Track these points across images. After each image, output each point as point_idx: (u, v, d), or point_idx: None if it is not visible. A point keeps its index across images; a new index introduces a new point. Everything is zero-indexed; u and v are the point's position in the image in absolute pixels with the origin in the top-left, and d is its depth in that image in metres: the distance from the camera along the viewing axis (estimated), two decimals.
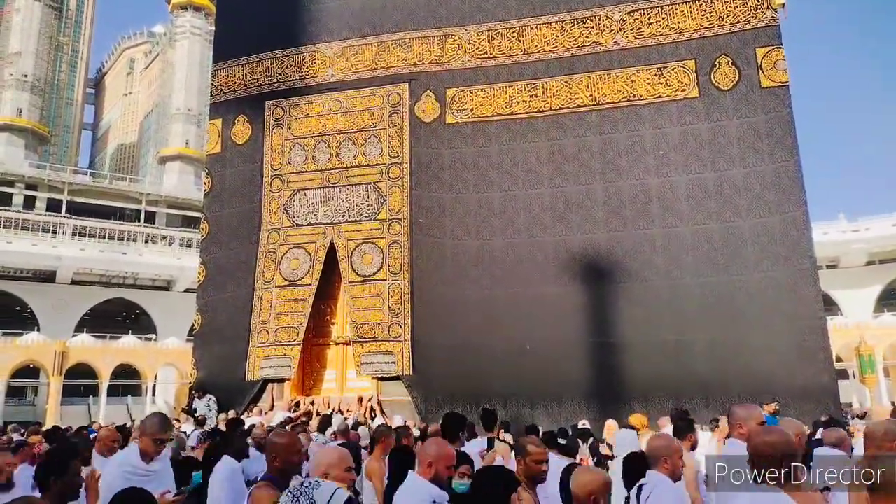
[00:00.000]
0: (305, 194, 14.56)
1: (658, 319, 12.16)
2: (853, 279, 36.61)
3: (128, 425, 11.55)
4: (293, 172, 14.78)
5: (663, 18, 13.23)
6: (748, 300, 11.87)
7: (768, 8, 12.64)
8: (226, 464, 4.42)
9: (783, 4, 12.79)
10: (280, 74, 15.49)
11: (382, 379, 13.28)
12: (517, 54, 13.95)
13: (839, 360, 25.14)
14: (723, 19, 12.87)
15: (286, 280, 14.17)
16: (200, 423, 11.44)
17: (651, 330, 12.11)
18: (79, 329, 38.69)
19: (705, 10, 13.00)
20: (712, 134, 12.58)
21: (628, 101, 13.14)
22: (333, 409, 12.77)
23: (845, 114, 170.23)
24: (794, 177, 12.00)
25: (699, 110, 12.73)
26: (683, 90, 12.87)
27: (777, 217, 11.95)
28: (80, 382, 34.70)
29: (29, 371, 33.42)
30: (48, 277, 41.02)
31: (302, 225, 14.42)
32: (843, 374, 26.98)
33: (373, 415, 12.53)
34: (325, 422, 10.28)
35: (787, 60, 12.39)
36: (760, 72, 12.44)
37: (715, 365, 11.67)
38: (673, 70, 12.98)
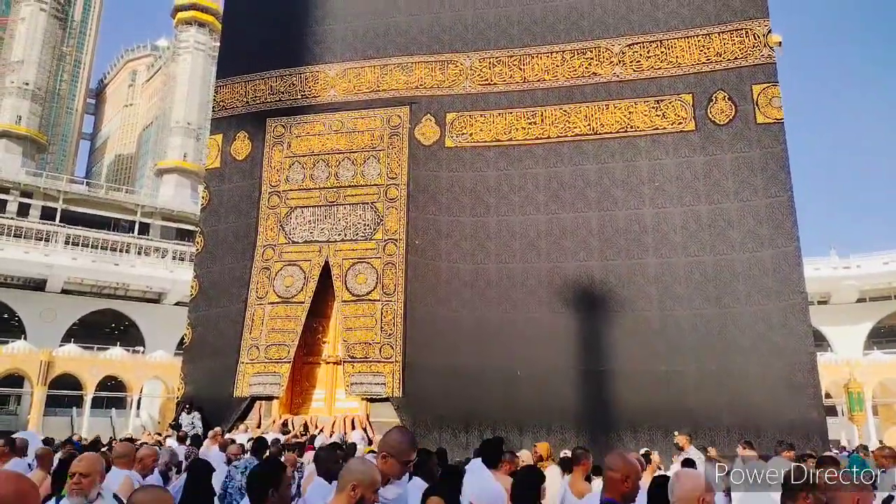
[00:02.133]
0: (303, 212, 14.60)
1: (649, 349, 12.19)
2: (844, 316, 36.80)
3: (111, 439, 11.43)
4: (291, 190, 14.84)
5: (662, 52, 13.47)
6: (739, 333, 11.93)
7: (765, 46, 12.90)
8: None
9: (780, 42, 13.07)
10: (282, 93, 15.63)
11: (372, 400, 13.20)
12: (517, 82, 14.14)
13: (828, 396, 25.18)
14: (720, 55, 13.12)
15: (279, 297, 14.14)
16: (181, 439, 11.29)
17: (642, 359, 12.13)
18: (66, 339, 38.31)
19: (703, 46, 13.25)
20: (707, 167, 12.75)
21: (625, 131, 13.31)
22: (321, 430, 12.69)
23: (838, 150, 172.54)
24: (786, 212, 12.14)
25: (695, 143, 12.91)
26: (680, 123, 13.06)
27: (769, 251, 12.07)
28: (64, 393, 34.25)
29: (13, 380, 33.00)
30: (38, 286, 40.73)
31: (298, 242, 14.44)
32: (832, 411, 27.00)
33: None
34: (311, 443, 10.21)
35: (781, 97, 12.62)
36: (756, 108, 12.65)
37: (705, 396, 11.68)
38: (670, 103, 13.18)
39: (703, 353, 12.00)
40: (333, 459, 4.71)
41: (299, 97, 15.49)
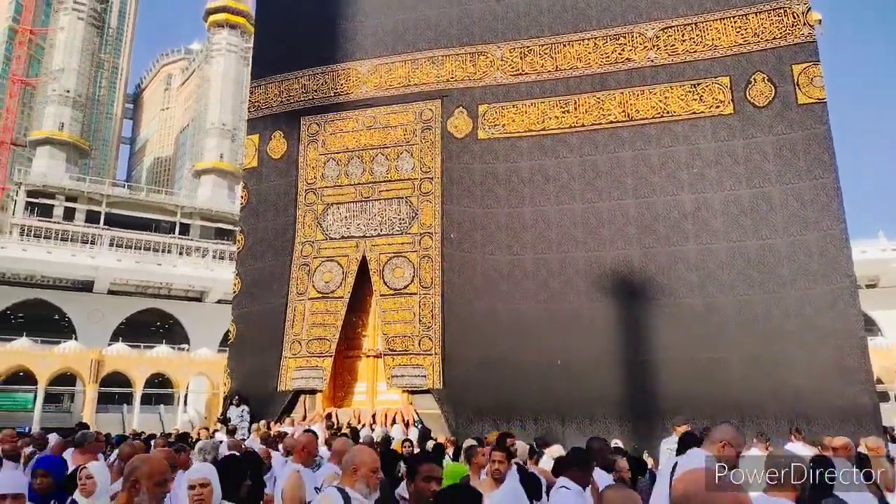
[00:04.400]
0: (339, 208, 14.79)
1: (692, 337, 12.02)
2: (893, 299, 35.64)
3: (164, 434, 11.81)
4: (327, 187, 15.03)
5: (697, 35, 13.21)
6: (785, 318, 11.67)
7: (804, 24, 12.54)
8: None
9: (819, 21, 12.69)
10: (315, 91, 15.82)
11: (413, 392, 13.34)
12: (549, 71, 14.03)
13: (879, 381, 24.44)
14: (758, 36, 12.80)
15: (319, 292, 14.37)
16: (231, 432, 11.61)
17: (684, 347, 11.98)
18: (114, 338, 39.58)
19: (740, 27, 12.95)
20: (748, 151, 12.47)
21: (661, 117, 13.11)
22: (363, 424, 12.87)
23: (885, 129, 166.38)
24: (831, 193, 11.81)
25: (734, 127, 12.64)
26: (718, 107, 12.80)
27: (814, 234, 11.77)
28: (114, 390, 35.43)
29: (66, 378, 34.23)
30: (85, 287, 42.10)
31: (335, 238, 14.64)
32: (884, 397, 26.20)
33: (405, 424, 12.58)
34: (354, 436, 10.38)
35: (823, 76, 12.26)
36: (797, 88, 12.32)
37: (750, 383, 11.47)
38: (707, 86, 12.93)
39: (748, 340, 11.78)
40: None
41: (332, 95, 15.66)
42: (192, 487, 3.31)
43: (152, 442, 9.11)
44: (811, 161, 12.02)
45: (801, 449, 7.88)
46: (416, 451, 8.38)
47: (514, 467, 5.38)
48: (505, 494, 4.17)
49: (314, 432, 6.96)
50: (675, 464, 3.88)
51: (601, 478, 4.57)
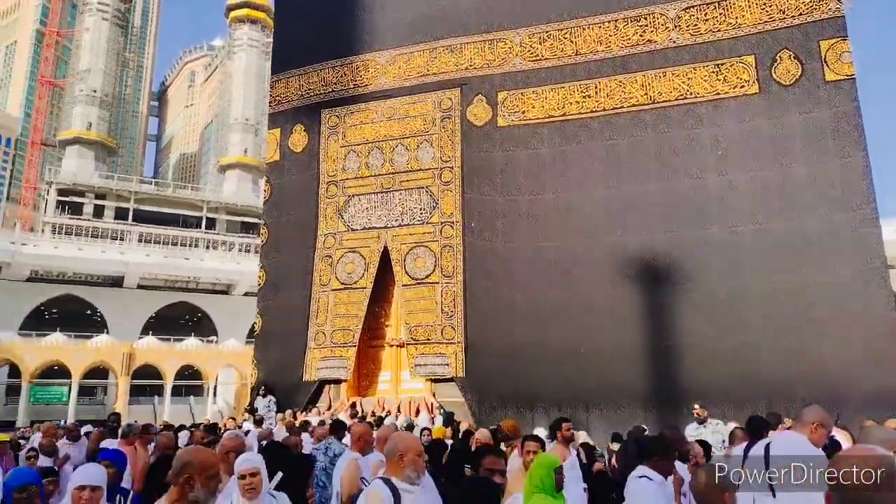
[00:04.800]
0: (360, 199, 14.84)
1: (718, 322, 11.83)
2: None
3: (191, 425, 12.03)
4: (348, 178, 15.10)
5: (720, 14, 12.92)
6: (813, 301, 11.42)
7: None
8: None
9: None
10: (335, 84, 15.86)
11: (436, 381, 13.40)
12: (569, 55, 13.86)
13: None
14: (784, 12, 12.46)
15: (342, 283, 14.47)
16: (258, 422, 11.80)
17: (711, 333, 11.80)
18: (144, 331, 40.45)
19: (765, 4, 12.62)
20: (774, 131, 12.18)
21: (685, 99, 12.86)
22: (387, 412, 12.97)
23: None
24: (861, 173, 11.48)
25: (760, 107, 12.35)
26: (742, 87, 12.52)
27: (844, 215, 11.46)
28: (146, 383, 36.21)
29: (99, 372, 35.08)
30: (116, 282, 43.02)
31: (357, 230, 14.71)
32: None
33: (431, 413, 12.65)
34: (379, 425, 10.46)
35: (852, 52, 11.91)
36: (825, 65, 11.98)
37: (779, 369, 11.26)
38: (731, 66, 12.65)
39: (775, 324, 11.55)
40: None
41: (351, 87, 15.68)
42: (242, 477, 3.36)
43: (180, 434, 9.28)
44: (840, 140, 11.70)
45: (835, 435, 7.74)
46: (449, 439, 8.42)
47: (574, 454, 5.43)
48: None
49: (341, 421, 7.05)
50: (768, 444, 3.83)
51: (678, 467, 4.52)
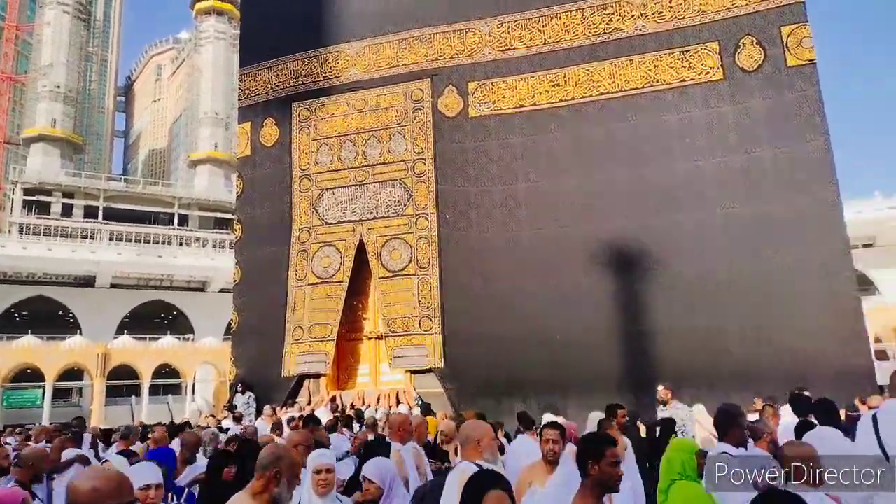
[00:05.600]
0: (334, 193, 14.81)
1: (689, 306, 12.09)
2: (890, 258, 35.71)
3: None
4: (321, 172, 15.04)
5: (684, 1, 13.09)
6: (780, 283, 11.72)
7: None
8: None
9: None
10: (304, 76, 15.74)
11: (415, 372, 13.49)
12: (538, 45, 13.94)
13: (878, 341, 24.64)
14: None
15: (318, 278, 14.46)
16: (238, 419, 11.80)
17: (683, 316, 12.05)
18: (119, 331, 39.89)
19: None
20: (738, 116, 12.43)
21: (652, 86, 13.04)
22: (368, 405, 13.05)
23: (878, 89, 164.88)
24: (824, 156, 11.78)
25: (724, 93, 12.58)
26: (708, 73, 12.73)
27: (807, 198, 11.76)
28: (122, 383, 35.77)
29: (73, 373, 34.55)
30: (88, 282, 42.32)
31: (331, 223, 14.68)
32: (883, 356, 26.40)
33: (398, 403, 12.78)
34: (359, 418, 10.56)
35: (813, 38, 12.17)
36: (786, 51, 12.23)
37: (748, 350, 11.57)
38: (696, 53, 12.85)
39: (745, 306, 11.84)
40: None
41: (321, 79, 15.58)
42: (317, 472, 3.44)
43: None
44: (802, 124, 11.98)
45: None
46: None
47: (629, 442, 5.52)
48: (556, 486, 3.69)
49: (315, 416, 7.10)
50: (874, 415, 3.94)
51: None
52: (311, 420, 7.45)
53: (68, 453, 6.22)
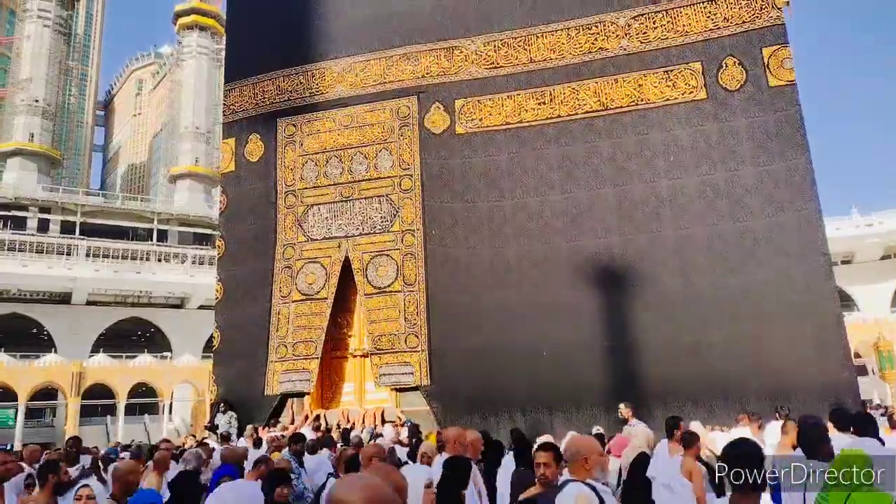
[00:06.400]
0: (319, 209, 14.72)
1: (674, 321, 12.17)
2: (868, 274, 36.39)
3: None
4: (307, 188, 14.96)
5: (668, 22, 13.32)
6: (763, 298, 11.87)
7: (773, 7, 12.70)
8: None
9: (788, 2, 12.86)
10: (290, 92, 15.70)
11: (401, 390, 13.36)
12: (524, 63, 14.07)
13: (857, 356, 24.99)
14: (728, 20, 12.94)
15: (303, 294, 14.31)
16: (225, 438, 11.54)
17: (667, 332, 12.12)
18: (95, 349, 39.09)
19: (710, 12, 13.08)
20: (721, 135, 12.63)
21: (636, 105, 13.21)
22: (352, 424, 12.87)
23: (855, 107, 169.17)
24: (805, 174, 12.01)
25: (707, 112, 12.79)
26: (691, 92, 12.94)
27: (790, 215, 11.96)
28: (97, 402, 35.01)
29: (47, 393, 33.75)
30: (63, 299, 41.49)
31: (317, 239, 14.58)
32: (862, 371, 26.79)
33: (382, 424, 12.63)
34: (345, 437, 10.40)
35: (793, 59, 12.44)
36: (767, 71, 12.49)
37: (733, 365, 11.65)
38: (680, 73, 13.06)
39: (728, 322, 11.95)
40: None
41: (307, 95, 15.55)
42: (428, 486, 3.72)
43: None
44: (784, 143, 12.21)
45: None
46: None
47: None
48: None
49: (301, 434, 6.97)
50: None
51: None
52: (297, 439, 7.32)
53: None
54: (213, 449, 8.35)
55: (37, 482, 4.95)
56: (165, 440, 10.58)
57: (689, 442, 5.62)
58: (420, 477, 4.18)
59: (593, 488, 3.13)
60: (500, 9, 14.46)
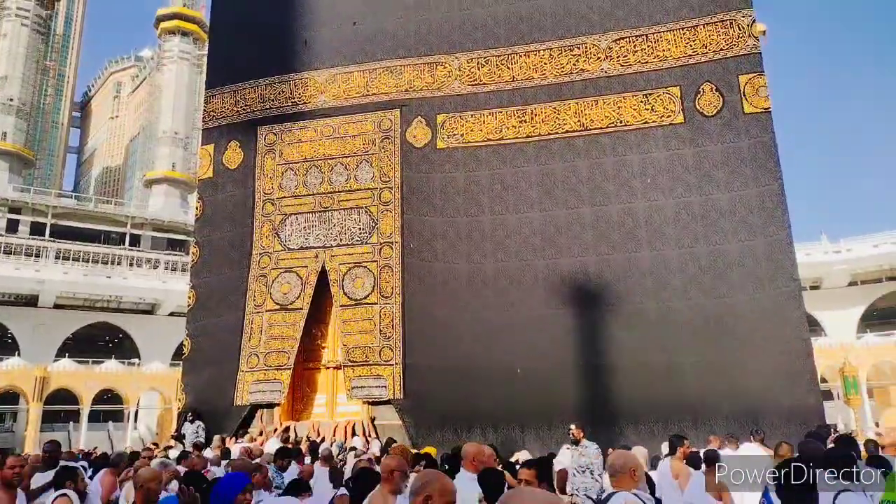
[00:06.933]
0: (297, 218, 14.62)
1: (647, 342, 12.28)
2: (836, 300, 37.14)
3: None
4: (285, 197, 14.86)
5: (648, 46, 13.58)
6: (735, 322, 12.05)
7: (750, 36, 13.03)
8: None
9: (764, 32, 13.20)
10: (272, 100, 15.63)
11: (374, 403, 13.24)
12: (506, 81, 14.21)
13: (824, 380, 25.42)
14: (706, 47, 13.24)
15: (277, 304, 14.15)
16: (198, 447, 11.27)
17: (640, 352, 12.22)
18: (60, 354, 38.12)
19: (689, 39, 13.37)
20: (697, 159, 12.86)
21: (615, 126, 13.41)
22: (322, 437, 12.69)
23: (827, 134, 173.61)
24: (777, 200, 12.27)
25: (684, 136, 13.02)
26: (669, 116, 13.17)
27: (761, 240, 12.20)
28: (60, 408, 34.09)
29: (8, 397, 32.79)
30: (30, 301, 40.48)
31: (293, 249, 14.46)
32: (828, 395, 27.26)
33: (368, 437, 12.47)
34: (314, 450, 10.24)
35: (768, 87, 12.75)
36: (743, 98, 12.78)
37: (704, 386, 11.79)
38: (658, 97, 13.29)
39: (701, 344, 12.10)
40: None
41: (289, 104, 15.50)
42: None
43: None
44: (757, 169, 12.47)
45: (756, 450, 8.11)
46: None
47: (693, 476, 5.58)
48: None
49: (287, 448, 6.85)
50: None
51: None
52: (283, 454, 7.27)
53: (40, 478, 5.63)
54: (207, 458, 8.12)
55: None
56: (147, 448, 10.32)
57: (712, 460, 5.69)
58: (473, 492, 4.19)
59: (639, 497, 3.28)
60: (484, 27, 14.61)
